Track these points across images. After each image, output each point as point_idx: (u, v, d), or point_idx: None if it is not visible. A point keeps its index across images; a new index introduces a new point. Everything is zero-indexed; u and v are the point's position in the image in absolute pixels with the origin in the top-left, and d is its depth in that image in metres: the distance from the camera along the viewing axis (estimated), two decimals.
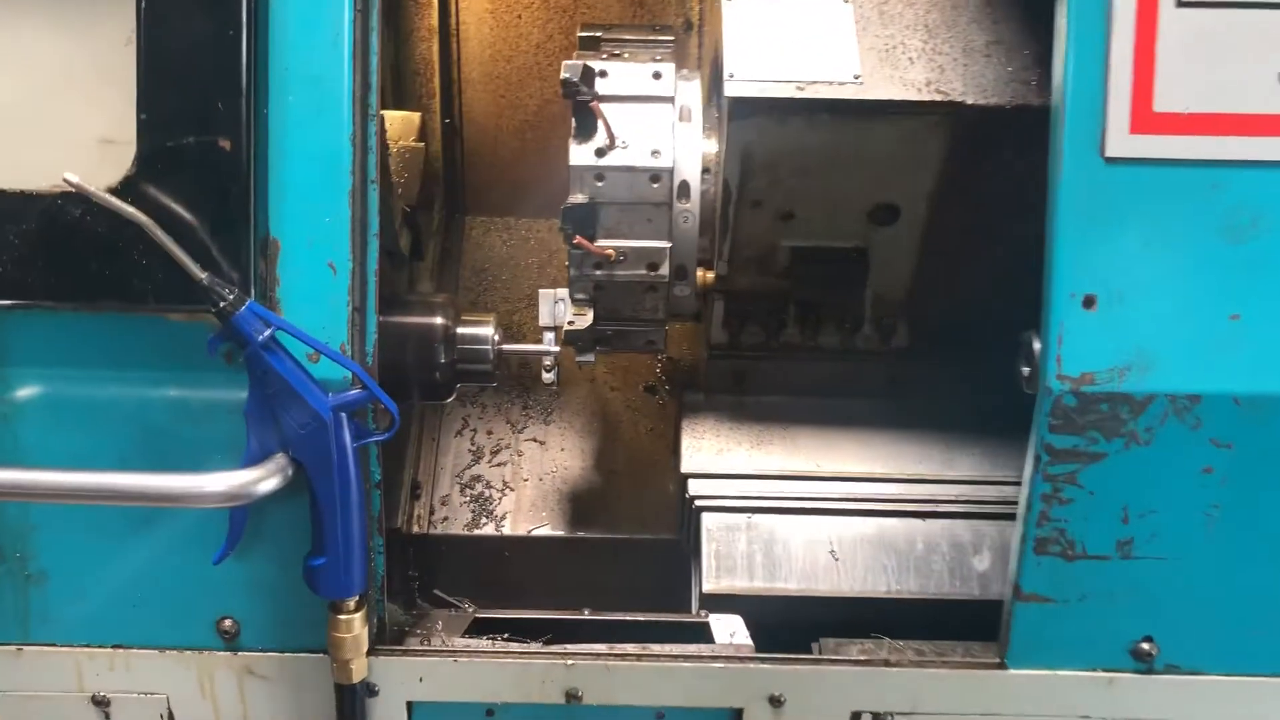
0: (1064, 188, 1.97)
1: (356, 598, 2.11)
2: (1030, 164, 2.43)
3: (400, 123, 3.17)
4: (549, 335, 2.64)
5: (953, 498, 2.72)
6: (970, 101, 2.40)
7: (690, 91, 2.60)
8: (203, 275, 1.89)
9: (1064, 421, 2.03)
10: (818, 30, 2.50)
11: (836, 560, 2.62)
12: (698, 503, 2.72)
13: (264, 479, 1.94)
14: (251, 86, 1.93)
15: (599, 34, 2.69)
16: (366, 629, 2.15)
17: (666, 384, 3.37)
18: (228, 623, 2.23)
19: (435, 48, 3.51)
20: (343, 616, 2.11)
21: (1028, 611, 2.18)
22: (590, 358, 2.65)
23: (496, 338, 2.54)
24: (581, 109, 2.46)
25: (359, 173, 2.01)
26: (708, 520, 2.70)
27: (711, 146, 2.61)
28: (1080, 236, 1.97)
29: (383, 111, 3.09)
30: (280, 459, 1.98)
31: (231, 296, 1.89)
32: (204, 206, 1.93)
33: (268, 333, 1.91)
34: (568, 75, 2.40)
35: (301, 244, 2.01)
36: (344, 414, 1.99)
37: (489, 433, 3.29)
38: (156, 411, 2.09)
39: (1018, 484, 2.69)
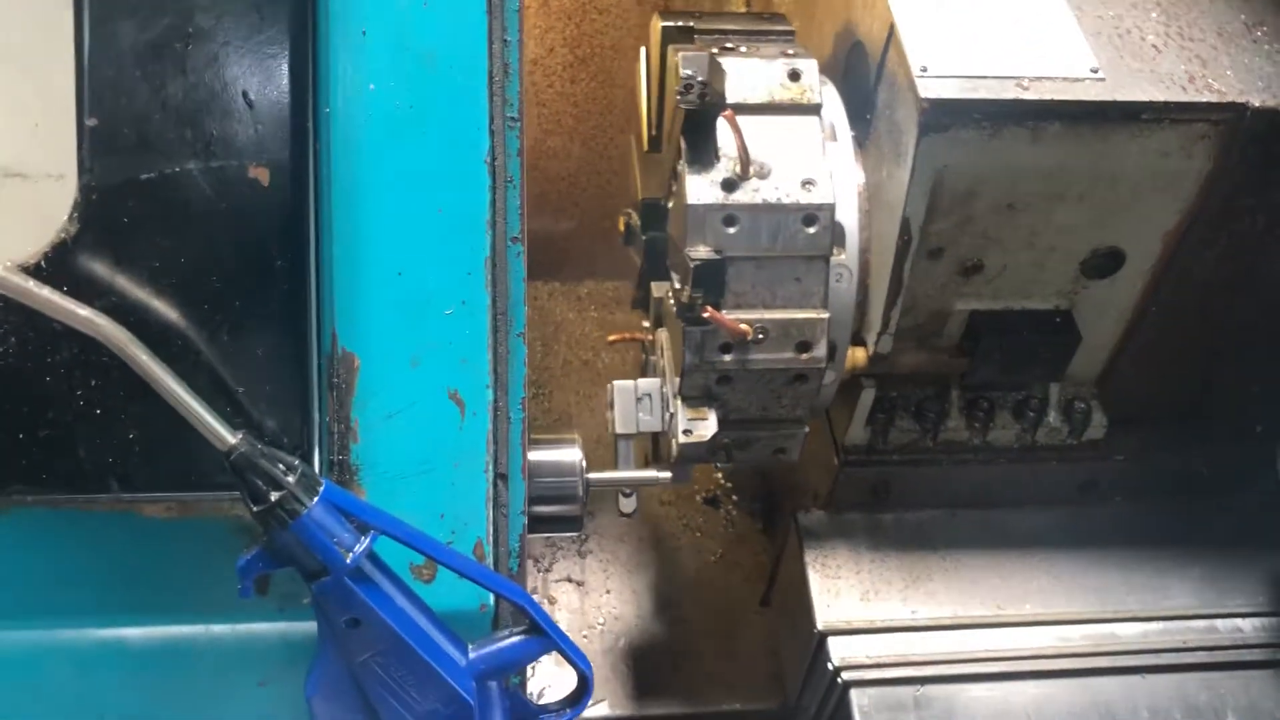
0: None
1: None
2: None
3: None
4: (624, 445, 1.87)
5: (1176, 644, 2.07)
6: (1258, 103, 1.71)
7: (831, 100, 1.86)
8: (233, 438, 0.98)
9: None
10: (1020, 8, 1.79)
11: None
12: (845, 675, 1.96)
13: None
14: (311, 73, 1.02)
15: (691, 23, 1.91)
16: None
17: (733, 493, 2.59)
18: None
19: None
20: None
21: None
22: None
23: (583, 464, 1.73)
24: (696, 123, 1.69)
25: (498, 226, 1.10)
26: (859, 698, 1.97)
27: (861, 176, 1.86)
28: None
29: None
30: None
31: (292, 479, 0.97)
32: (240, 302, 1.02)
33: (363, 545, 0.98)
34: (690, 71, 1.63)
35: (399, 360, 1.09)
36: (494, 684, 1.09)
37: None
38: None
39: (1255, 615, 2.09)
